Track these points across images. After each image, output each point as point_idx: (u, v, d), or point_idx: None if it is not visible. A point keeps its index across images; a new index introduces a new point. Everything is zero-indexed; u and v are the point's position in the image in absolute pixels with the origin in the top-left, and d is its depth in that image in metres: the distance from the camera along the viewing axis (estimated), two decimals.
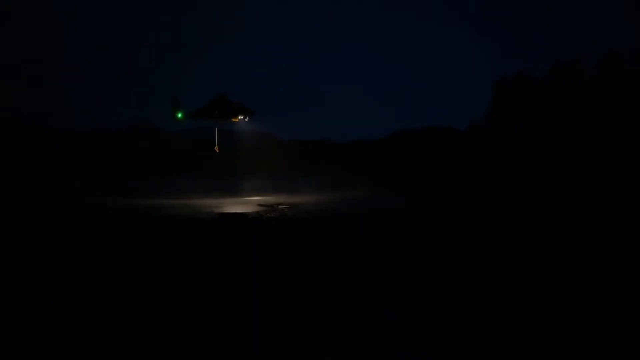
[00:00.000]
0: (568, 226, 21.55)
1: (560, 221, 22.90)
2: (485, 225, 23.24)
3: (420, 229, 23.06)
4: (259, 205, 37.30)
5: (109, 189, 51.42)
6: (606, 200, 24.94)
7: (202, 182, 60.57)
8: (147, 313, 9.64)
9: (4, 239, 17.56)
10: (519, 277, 12.81)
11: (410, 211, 30.66)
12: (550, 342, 8.19)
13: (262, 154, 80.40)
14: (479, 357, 7.60)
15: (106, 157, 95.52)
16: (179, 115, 41.84)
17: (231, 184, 55.70)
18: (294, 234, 21.75)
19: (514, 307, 10.13)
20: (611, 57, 40.16)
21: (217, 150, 43.62)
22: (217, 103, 42.41)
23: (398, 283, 12.14)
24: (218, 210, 31.48)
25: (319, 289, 11.58)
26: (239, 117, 43.03)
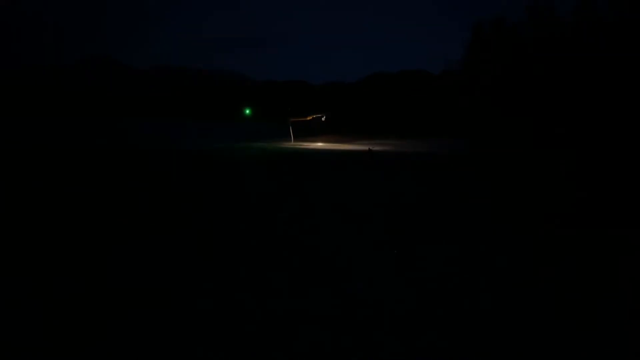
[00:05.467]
0: (542, 166, 22.77)
1: (535, 161, 24.13)
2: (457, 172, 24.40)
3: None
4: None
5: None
6: (583, 141, 26.21)
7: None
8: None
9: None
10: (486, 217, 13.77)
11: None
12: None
13: (235, 96, 78.80)
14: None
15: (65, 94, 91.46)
16: (247, 111, 44.34)
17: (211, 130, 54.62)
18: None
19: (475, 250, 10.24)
20: (585, 3, 40.78)
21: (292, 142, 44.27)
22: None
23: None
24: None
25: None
26: (314, 115, 45.00)
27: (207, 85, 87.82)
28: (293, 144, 46.16)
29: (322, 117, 47.52)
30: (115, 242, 9.91)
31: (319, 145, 45.07)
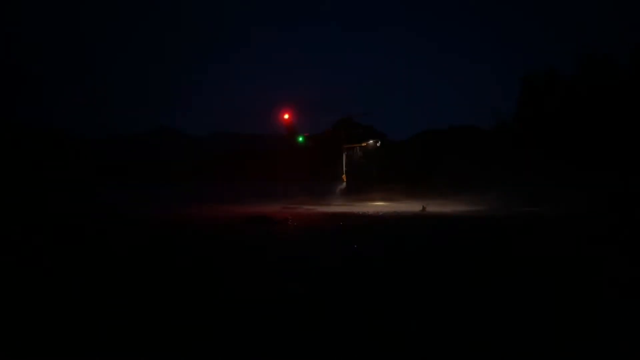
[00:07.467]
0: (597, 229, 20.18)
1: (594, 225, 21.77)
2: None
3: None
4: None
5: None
6: None
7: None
8: None
9: None
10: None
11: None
12: None
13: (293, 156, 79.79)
14: None
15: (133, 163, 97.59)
16: (300, 139, 42.11)
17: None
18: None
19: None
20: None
21: (345, 179, 42.78)
22: (343, 126, 42.18)
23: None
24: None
25: None
26: (370, 141, 42.86)
27: (260, 146, 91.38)
28: (346, 203, 41.20)
29: (377, 142, 44.71)
30: None
31: (381, 204, 40.49)
